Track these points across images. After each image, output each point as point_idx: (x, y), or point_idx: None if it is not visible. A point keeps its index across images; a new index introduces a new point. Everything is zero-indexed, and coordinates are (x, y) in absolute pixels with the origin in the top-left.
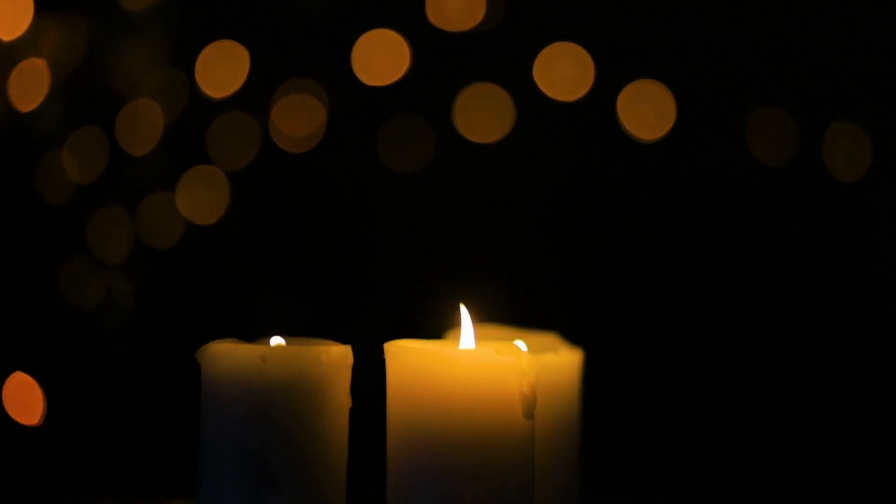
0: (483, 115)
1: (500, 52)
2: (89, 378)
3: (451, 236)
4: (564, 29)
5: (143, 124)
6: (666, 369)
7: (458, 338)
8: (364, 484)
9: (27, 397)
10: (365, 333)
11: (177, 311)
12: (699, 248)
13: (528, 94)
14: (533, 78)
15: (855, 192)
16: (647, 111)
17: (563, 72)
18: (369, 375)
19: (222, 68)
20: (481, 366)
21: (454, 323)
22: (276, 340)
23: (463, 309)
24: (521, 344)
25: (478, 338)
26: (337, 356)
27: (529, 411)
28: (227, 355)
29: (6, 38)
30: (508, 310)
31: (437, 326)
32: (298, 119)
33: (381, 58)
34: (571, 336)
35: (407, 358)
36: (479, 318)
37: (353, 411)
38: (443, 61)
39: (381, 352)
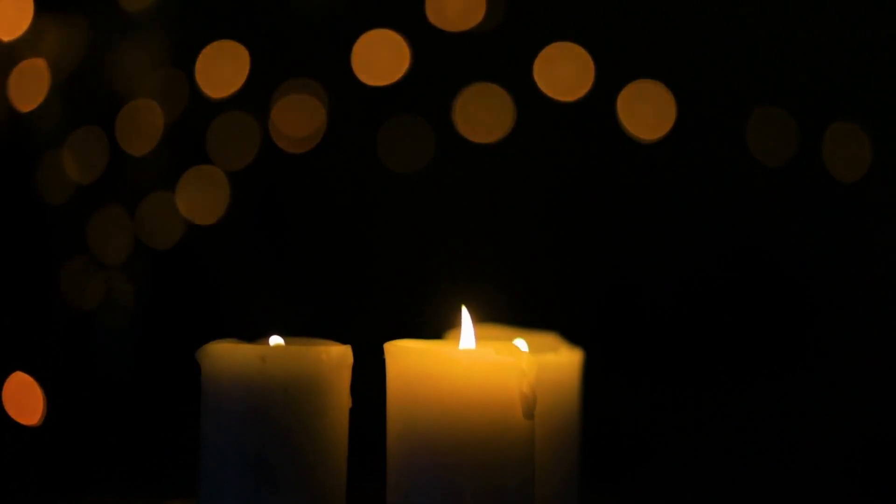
0: (483, 115)
1: (500, 52)
2: (89, 378)
3: (450, 236)
4: (564, 29)
5: (143, 124)
6: (666, 369)
7: (458, 338)
8: (364, 484)
9: (27, 397)
10: (365, 333)
11: (177, 311)
12: (699, 248)
13: (528, 94)
14: (533, 78)
15: (855, 192)
16: (647, 111)
17: (563, 72)
18: (369, 375)
19: (222, 68)
20: (481, 366)
21: (454, 323)
22: (276, 340)
23: (464, 310)
24: (521, 344)
25: (478, 338)
26: (337, 356)
27: (529, 411)
28: (227, 355)
29: (6, 38)
30: (508, 310)
31: (437, 327)
32: (298, 119)
33: (381, 58)
34: (571, 336)
35: (407, 358)
36: (480, 318)
37: (353, 411)
38: (443, 61)
39: (381, 352)
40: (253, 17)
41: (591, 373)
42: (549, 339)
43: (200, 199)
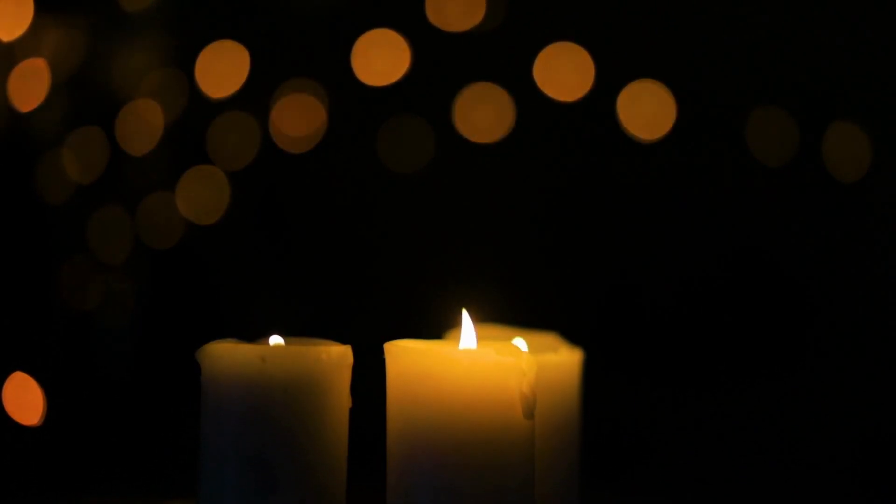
0: (483, 115)
1: (500, 52)
2: (89, 378)
3: (450, 236)
4: (564, 29)
5: (143, 124)
6: (666, 369)
7: (458, 338)
8: (364, 484)
9: (27, 397)
10: (365, 333)
11: (177, 311)
12: (699, 248)
13: (528, 94)
14: (533, 78)
15: (855, 192)
16: (647, 111)
17: (563, 72)
18: (369, 375)
19: (222, 68)
20: (481, 366)
21: (454, 323)
22: (276, 340)
23: (465, 313)
24: (521, 344)
25: (478, 338)
26: (337, 356)
27: (529, 411)
28: (227, 355)
29: (6, 38)
30: (508, 310)
31: (438, 326)
32: (298, 119)
33: (381, 58)
34: (571, 336)
35: (407, 358)
36: (480, 318)
37: (353, 411)
38: (443, 61)
39: (381, 352)
40: (253, 17)
41: (591, 373)
42: (549, 339)
43: (200, 199)
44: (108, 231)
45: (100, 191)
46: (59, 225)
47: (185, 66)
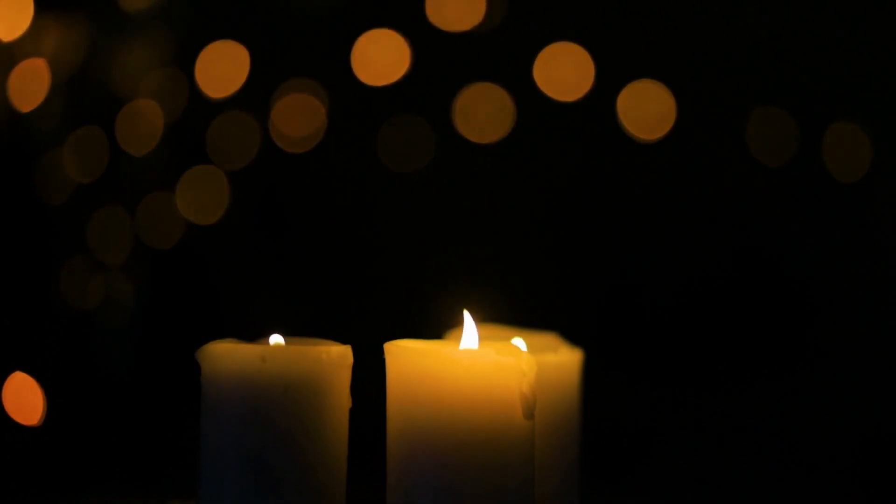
0: (483, 115)
1: (500, 52)
2: (89, 378)
3: (450, 236)
4: (564, 29)
5: (143, 124)
6: (666, 369)
7: (458, 338)
8: (364, 484)
9: (27, 397)
10: (365, 333)
11: (177, 311)
12: (699, 248)
13: (528, 94)
14: (533, 78)
15: (855, 192)
16: (647, 111)
17: (563, 72)
18: (369, 375)
19: (222, 68)
20: (481, 366)
21: (455, 323)
22: (276, 340)
23: (466, 314)
24: (521, 344)
25: (478, 338)
26: (337, 356)
27: (529, 411)
28: (227, 355)
29: (6, 38)
30: (508, 310)
31: (438, 326)
32: (298, 119)
33: (381, 58)
34: (571, 336)
35: (407, 358)
36: (480, 318)
37: (353, 411)
38: (443, 61)
39: (381, 352)
40: (253, 17)
41: (591, 373)
42: (549, 339)
43: (200, 199)
44: (108, 231)
45: (100, 191)
46: (59, 225)
47: (185, 66)
